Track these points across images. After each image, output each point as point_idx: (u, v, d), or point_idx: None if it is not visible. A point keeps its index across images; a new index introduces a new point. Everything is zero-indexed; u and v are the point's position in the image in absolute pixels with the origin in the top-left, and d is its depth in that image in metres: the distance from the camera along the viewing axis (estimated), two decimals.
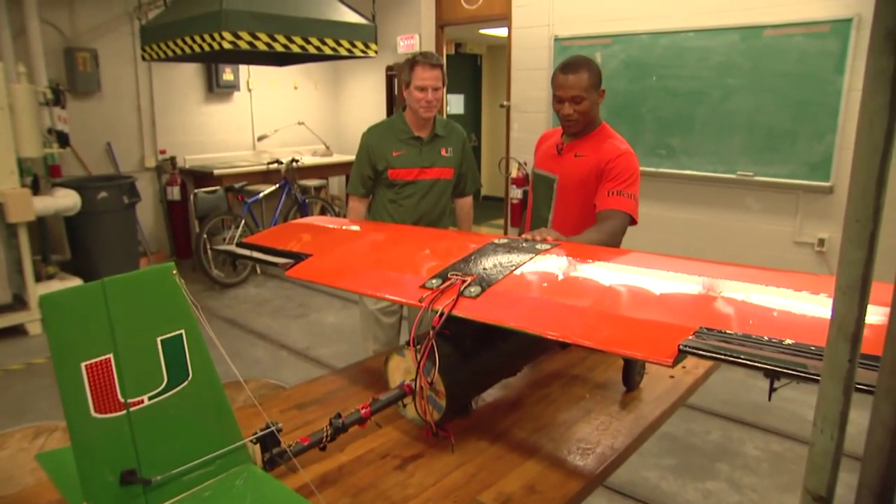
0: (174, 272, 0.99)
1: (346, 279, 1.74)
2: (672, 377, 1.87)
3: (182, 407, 1.00)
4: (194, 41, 4.21)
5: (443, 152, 2.95)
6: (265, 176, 6.57)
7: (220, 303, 5.46)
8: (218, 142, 6.95)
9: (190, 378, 1.00)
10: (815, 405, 0.82)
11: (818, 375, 1.01)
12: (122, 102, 6.20)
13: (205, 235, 5.76)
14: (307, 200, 6.53)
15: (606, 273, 1.48)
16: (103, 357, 0.89)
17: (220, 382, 1.05)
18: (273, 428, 1.13)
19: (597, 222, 2.30)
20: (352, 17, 4.72)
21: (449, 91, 9.35)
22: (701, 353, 1.08)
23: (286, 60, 5.60)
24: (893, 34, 0.69)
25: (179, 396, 0.99)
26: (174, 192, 6.41)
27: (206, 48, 4.12)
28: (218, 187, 6.20)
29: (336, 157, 7.48)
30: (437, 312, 1.41)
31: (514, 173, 6.44)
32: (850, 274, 0.78)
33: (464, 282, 1.48)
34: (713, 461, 3.12)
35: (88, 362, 0.88)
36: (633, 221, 2.31)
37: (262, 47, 4.15)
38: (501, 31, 7.31)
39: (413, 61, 2.79)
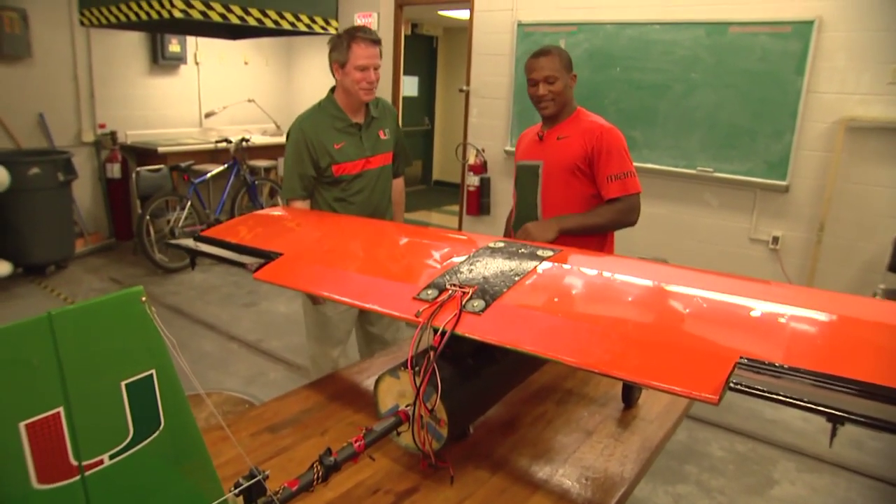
0: (143, 299, 0.79)
1: (324, 285, 1.55)
2: None
3: (152, 462, 0.81)
4: (141, 8, 3.86)
5: (381, 135, 2.65)
6: (213, 155, 6.22)
7: (163, 289, 5.13)
8: (162, 117, 6.52)
9: (161, 427, 0.81)
10: None
11: None
12: (56, 70, 5.71)
13: (147, 217, 5.40)
14: (256, 182, 6.22)
15: (623, 287, 1.35)
16: (50, 412, 0.69)
17: (196, 427, 0.86)
18: (259, 477, 0.95)
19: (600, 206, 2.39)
20: None
21: (403, 73, 9.09)
22: (756, 392, 0.96)
23: (239, 33, 5.26)
24: None
25: (149, 450, 0.80)
26: (114, 170, 6.00)
27: (154, 16, 3.79)
28: (162, 166, 5.82)
29: None
30: (436, 330, 1.25)
31: (471, 160, 6.29)
32: None
33: (464, 294, 1.32)
34: (682, 463, 3.08)
35: (30, 421, 0.68)
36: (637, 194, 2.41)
37: (216, 18, 3.84)
38: (460, 14, 7.12)
39: (350, 37, 2.41)
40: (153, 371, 0.80)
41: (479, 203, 6.28)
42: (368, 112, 2.61)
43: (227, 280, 5.37)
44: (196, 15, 3.74)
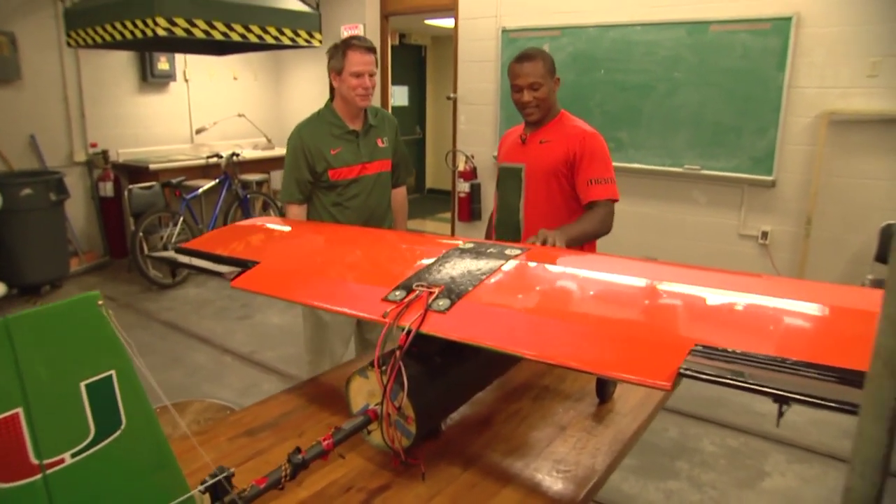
0: (100, 302, 0.83)
1: (298, 291, 1.59)
2: None
3: (114, 460, 0.84)
4: (125, 27, 3.92)
5: (379, 143, 2.74)
6: (204, 170, 6.26)
7: (158, 305, 5.16)
8: (153, 135, 6.58)
9: (123, 426, 0.84)
10: (853, 444, 0.73)
11: (834, 401, 0.94)
12: (46, 92, 5.77)
13: (141, 234, 5.44)
14: (248, 196, 6.26)
15: (585, 282, 1.39)
16: (9, 413, 0.73)
17: (159, 426, 0.90)
18: (222, 476, 0.99)
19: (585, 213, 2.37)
20: (295, 4, 4.50)
21: (393, 82, 9.15)
22: (705, 377, 0.99)
23: (226, 49, 5.33)
24: None
25: (111, 448, 0.83)
26: (107, 188, 6.04)
27: (139, 35, 3.84)
28: (154, 182, 5.86)
29: (278, 151, 7.20)
30: (403, 329, 1.29)
31: (461, 166, 6.34)
32: None
33: (430, 293, 1.36)
34: (673, 459, 3.10)
35: None
36: (614, 201, 2.39)
37: (199, 35, 3.89)
38: (447, 22, 7.18)
39: (346, 45, 2.56)
40: (113, 372, 0.83)
41: (471, 209, 6.32)
42: (366, 120, 2.70)
43: (221, 294, 5.40)
44: (180, 32, 3.80)
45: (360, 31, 6.74)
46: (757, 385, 0.96)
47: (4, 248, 5.05)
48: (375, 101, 6.95)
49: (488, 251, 1.57)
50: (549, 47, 5.58)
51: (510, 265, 1.47)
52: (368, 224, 2.74)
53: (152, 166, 5.96)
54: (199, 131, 6.82)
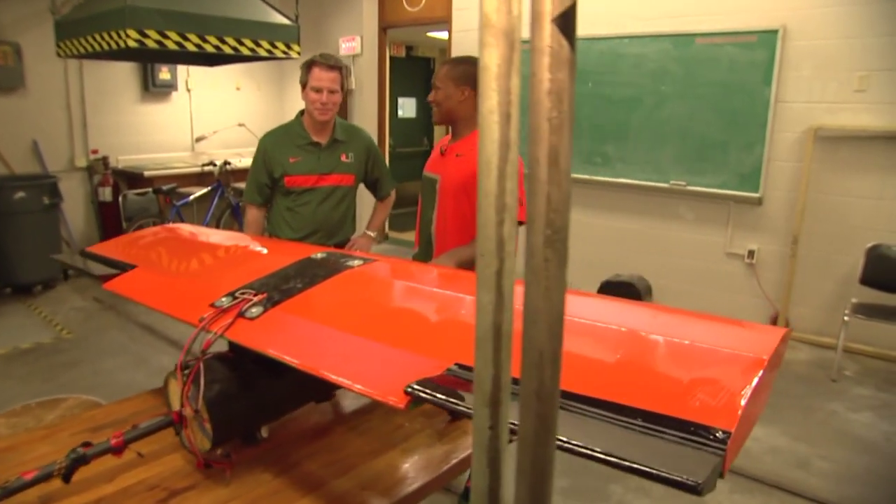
0: None
1: (149, 296, 1.63)
2: None
3: None
4: (102, 38, 4.05)
5: (343, 158, 2.83)
6: (199, 178, 6.41)
7: (139, 308, 5.24)
8: (154, 142, 6.75)
9: None
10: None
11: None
12: (49, 100, 5.99)
13: None
14: (240, 203, 6.38)
15: (395, 297, 1.39)
16: None
17: None
18: None
19: None
20: (273, 16, 4.59)
21: (401, 94, 9.24)
22: (425, 396, 0.97)
23: (215, 60, 5.45)
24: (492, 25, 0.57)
25: None
26: (105, 193, 6.21)
27: (114, 46, 3.96)
28: (149, 189, 6.03)
29: None
30: (210, 335, 1.31)
31: None
32: (482, 322, 0.64)
33: (247, 301, 1.37)
34: (607, 483, 3.03)
35: None
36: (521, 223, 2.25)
37: (172, 47, 4.00)
38: (445, 35, 7.24)
39: (311, 62, 2.70)
40: None
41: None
42: (333, 135, 2.80)
43: None
44: (151, 44, 3.90)
45: (357, 44, 6.83)
46: (463, 407, 0.93)
47: None
48: (372, 113, 7.03)
49: (331, 261, 1.58)
50: None
51: (340, 277, 1.48)
52: (318, 231, 2.80)
53: (147, 173, 6.12)
54: (199, 140, 6.99)
